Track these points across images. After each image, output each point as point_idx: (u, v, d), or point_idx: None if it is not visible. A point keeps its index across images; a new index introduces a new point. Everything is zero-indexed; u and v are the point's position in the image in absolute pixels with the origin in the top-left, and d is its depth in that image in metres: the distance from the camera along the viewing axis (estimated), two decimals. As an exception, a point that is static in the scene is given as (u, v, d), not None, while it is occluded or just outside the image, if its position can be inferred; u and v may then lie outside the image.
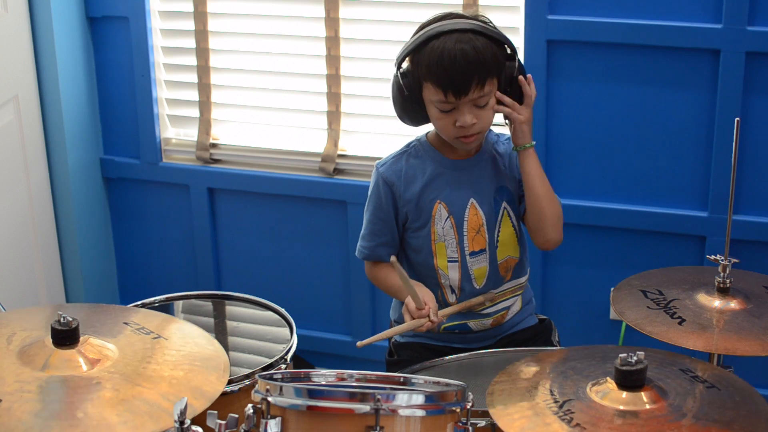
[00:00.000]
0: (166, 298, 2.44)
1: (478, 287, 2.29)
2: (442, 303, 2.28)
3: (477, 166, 2.27)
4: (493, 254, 2.28)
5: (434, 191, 2.25)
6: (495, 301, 2.30)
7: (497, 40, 2.15)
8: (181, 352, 1.80)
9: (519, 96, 2.21)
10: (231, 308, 2.46)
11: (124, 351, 1.76)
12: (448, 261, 2.27)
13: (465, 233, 2.26)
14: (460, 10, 2.82)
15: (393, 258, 2.06)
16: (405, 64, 2.19)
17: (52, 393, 1.63)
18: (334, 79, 3.02)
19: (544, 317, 2.45)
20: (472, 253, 2.27)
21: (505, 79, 2.18)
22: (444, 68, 2.10)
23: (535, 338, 2.37)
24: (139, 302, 2.37)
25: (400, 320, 2.32)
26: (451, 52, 2.09)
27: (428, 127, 2.31)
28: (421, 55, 2.14)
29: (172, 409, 1.56)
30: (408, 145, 2.32)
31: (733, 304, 2.04)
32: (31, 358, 1.69)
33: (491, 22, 2.21)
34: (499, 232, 2.28)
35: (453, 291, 2.29)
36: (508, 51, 2.18)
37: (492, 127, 2.27)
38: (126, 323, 1.87)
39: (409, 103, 2.19)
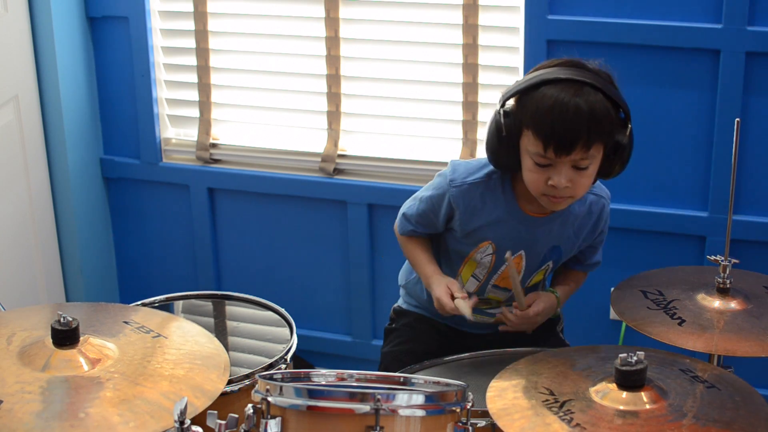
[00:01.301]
0: (166, 298, 2.44)
1: (493, 303, 2.30)
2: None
3: (544, 225, 2.17)
4: (515, 290, 2.20)
5: (491, 232, 2.16)
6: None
7: (615, 102, 2.00)
8: (182, 350, 1.80)
9: (614, 168, 2.05)
10: (231, 308, 2.46)
11: (125, 350, 1.76)
12: (472, 276, 2.26)
13: (500, 272, 2.22)
14: (460, 11, 2.83)
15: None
16: (510, 103, 2.02)
17: (53, 393, 1.63)
18: (334, 79, 3.02)
19: None
20: (495, 286, 2.26)
21: (611, 146, 2.01)
22: (552, 120, 1.93)
23: (538, 331, 2.35)
24: (139, 302, 2.37)
25: (408, 290, 2.38)
26: (563, 104, 1.93)
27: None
28: (530, 98, 1.98)
29: (173, 408, 1.56)
30: (490, 176, 2.15)
31: (733, 305, 2.04)
32: (32, 358, 1.69)
33: (613, 79, 2.06)
34: (530, 280, 2.26)
35: (467, 293, 2.25)
36: (622, 116, 2.03)
37: None
38: (126, 322, 1.87)
39: (504, 146, 2.03)
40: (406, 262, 2.40)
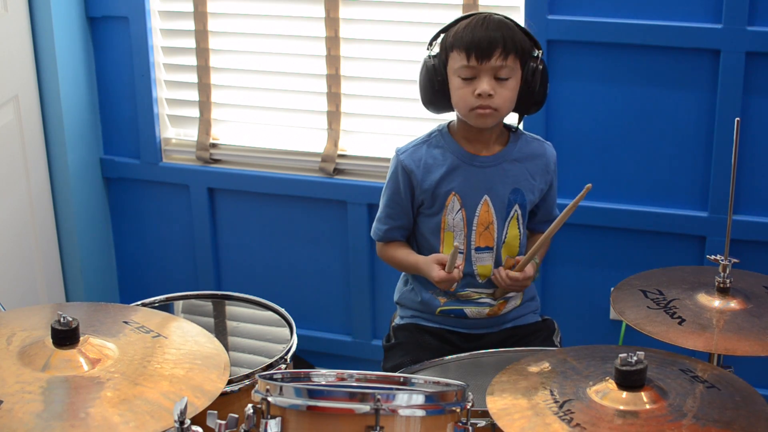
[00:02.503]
0: (166, 298, 2.44)
1: (480, 282, 2.33)
2: (440, 290, 2.34)
3: (497, 165, 2.32)
4: (498, 253, 2.33)
5: (450, 182, 2.30)
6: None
7: (528, 33, 2.26)
8: (182, 350, 1.80)
9: (531, 105, 2.29)
10: (231, 308, 2.46)
11: (125, 350, 1.76)
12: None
13: (474, 227, 2.30)
14: (460, 11, 2.83)
15: (456, 245, 2.20)
16: (435, 48, 2.26)
17: (54, 393, 1.63)
18: (334, 79, 3.02)
19: (547, 317, 2.46)
20: (478, 249, 2.31)
21: (528, 72, 2.23)
22: (472, 31, 2.19)
23: (536, 334, 2.38)
24: (139, 302, 2.37)
25: (401, 302, 2.44)
26: (480, 18, 2.21)
27: (449, 117, 2.35)
28: (450, 29, 2.24)
29: (173, 408, 1.56)
30: (429, 134, 2.36)
31: (733, 304, 2.04)
32: (32, 358, 1.69)
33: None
34: (506, 232, 2.33)
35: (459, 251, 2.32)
36: (536, 52, 2.26)
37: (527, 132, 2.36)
38: (126, 322, 1.87)
39: (435, 83, 2.25)
40: (399, 279, 2.47)
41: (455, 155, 2.31)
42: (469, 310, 2.34)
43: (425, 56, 2.28)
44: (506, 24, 2.21)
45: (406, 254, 2.37)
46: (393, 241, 2.40)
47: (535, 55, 2.25)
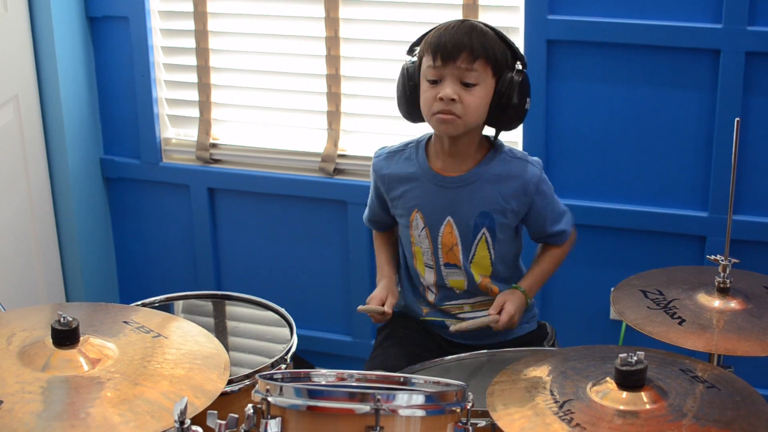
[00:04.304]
0: (166, 298, 2.44)
1: (458, 293, 2.33)
2: (422, 300, 2.36)
3: (464, 186, 2.24)
4: (468, 272, 2.30)
5: (414, 200, 2.27)
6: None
7: (507, 43, 2.19)
8: (182, 350, 1.80)
9: (507, 120, 2.21)
10: (231, 308, 2.46)
11: (125, 350, 1.76)
12: (425, 266, 2.32)
13: (439, 246, 2.29)
14: (460, 11, 2.83)
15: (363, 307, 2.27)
16: (409, 48, 2.25)
17: (54, 393, 1.63)
18: (334, 79, 3.02)
19: (543, 322, 2.46)
20: (447, 264, 2.30)
21: (503, 83, 2.16)
22: (440, 33, 2.15)
23: (525, 346, 2.32)
24: (139, 302, 2.37)
25: (398, 308, 2.41)
26: (458, 22, 2.17)
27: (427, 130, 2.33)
28: (426, 35, 2.21)
29: (173, 408, 1.56)
30: (406, 144, 2.33)
31: (733, 304, 2.04)
32: (32, 358, 1.69)
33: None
34: (474, 254, 2.28)
35: (432, 291, 2.33)
36: (518, 65, 2.20)
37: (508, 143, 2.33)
38: (126, 322, 1.87)
39: (408, 90, 2.22)
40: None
41: (422, 172, 2.26)
42: (450, 323, 2.30)
43: (403, 65, 2.25)
44: (480, 29, 2.15)
45: (378, 254, 2.43)
46: (376, 230, 2.44)
47: (518, 68, 2.18)
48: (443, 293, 2.33)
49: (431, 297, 2.33)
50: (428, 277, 2.32)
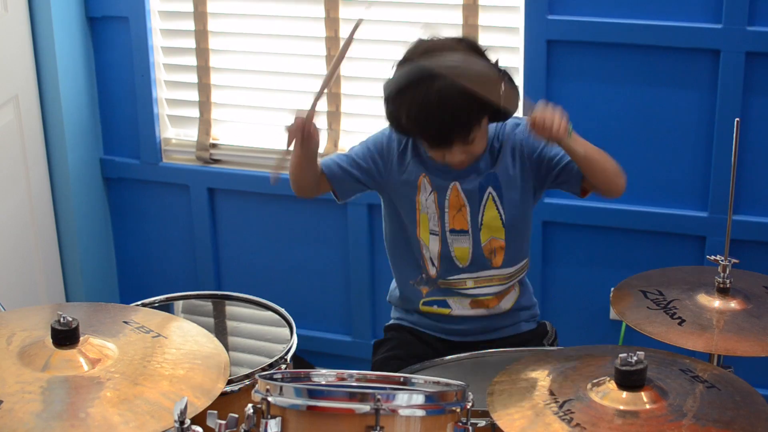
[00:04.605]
0: (166, 298, 2.44)
1: (461, 266, 2.29)
2: (425, 277, 2.32)
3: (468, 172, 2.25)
4: (476, 236, 2.27)
5: (423, 165, 2.25)
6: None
7: (479, 73, 2.03)
8: (182, 350, 1.80)
9: (505, 114, 2.16)
10: (231, 308, 2.46)
11: (125, 350, 1.76)
12: (430, 233, 2.29)
13: (446, 210, 2.26)
14: (460, 11, 2.83)
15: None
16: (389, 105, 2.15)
17: (54, 393, 1.63)
18: (334, 79, 3.02)
19: (544, 322, 2.45)
20: (453, 231, 2.27)
21: (490, 112, 2.12)
22: (428, 135, 2.11)
23: (525, 344, 2.32)
24: (139, 302, 2.37)
25: (397, 302, 2.41)
26: (430, 118, 2.04)
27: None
28: (394, 111, 2.12)
29: (173, 407, 1.56)
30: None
31: (733, 305, 2.04)
32: (32, 358, 1.69)
33: (473, 42, 2.17)
34: (483, 215, 2.26)
35: (433, 264, 2.29)
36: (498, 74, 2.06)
37: None
38: (126, 322, 1.87)
39: (404, 146, 2.25)
40: (393, 280, 2.44)
41: (428, 164, 2.25)
42: (452, 300, 2.31)
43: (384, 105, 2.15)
44: (452, 107, 2.02)
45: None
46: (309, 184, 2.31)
47: (500, 74, 2.06)
48: (446, 265, 2.29)
49: (433, 271, 2.30)
50: (432, 246, 2.28)
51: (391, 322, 2.45)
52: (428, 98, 2.03)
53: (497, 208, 2.28)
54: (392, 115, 2.14)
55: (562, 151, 2.19)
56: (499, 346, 2.29)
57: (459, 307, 2.32)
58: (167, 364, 1.73)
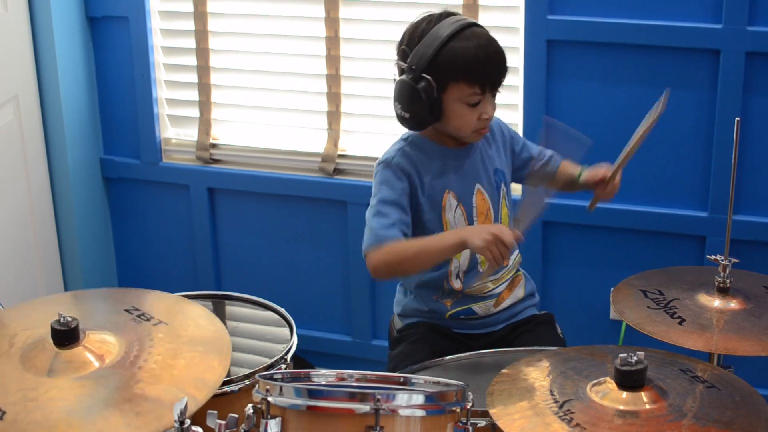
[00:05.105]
0: (166, 298, 2.44)
1: (481, 270, 2.30)
2: (447, 290, 2.30)
3: (474, 152, 2.29)
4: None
5: (443, 181, 2.25)
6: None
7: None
8: (182, 338, 1.78)
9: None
10: (231, 308, 2.46)
11: (124, 344, 1.74)
12: None
13: (475, 219, 2.28)
14: (460, 11, 2.83)
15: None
16: (417, 69, 2.14)
17: (55, 395, 1.62)
18: (334, 79, 3.02)
19: (546, 312, 2.46)
20: None
21: None
22: (482, 66, 2.14)
23: (540, 326, 2.36)
24: (139, 302, 2.37)
25: (404, 313, 2.38)
26: (485, 49, 2.15)
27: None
28: (446, 57, 2.13)
29: (174, 406, 1.56)
30: (405, 140, 2.28)
31: (733, 304, 2.04)
32: (33, 362, 1.69)
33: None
34: (500, 214, 2.32)
35: (458, 276, 2.29)
36: None
37: None
38: (127, 310, 1.85)
39: (426, 106, 2.16)
40: (397, 293, 2.41)
41: (440, 154, 2.26)
42: (478, 307, 2.31)
43: (407, 79, 2.15)
44: (494, 39, 2.18)
45: (430, 237, 2.17)
46: (393, 238, 2.15)
47: None
48: (469, 276, 2.29)
49: (457, 284, 2.30)
50: (463, 260, 2.28)
51: (404, 323, 2.39)
52: (488, 40, 2.17)
53: (507, 205, 2.33)
54: (452, 55, 2.13)
55: (535, 149, 2.39)
56: (512, 331, 2.34)
57: (485, 310, 2.33)
58: (168, 356, 1.71)
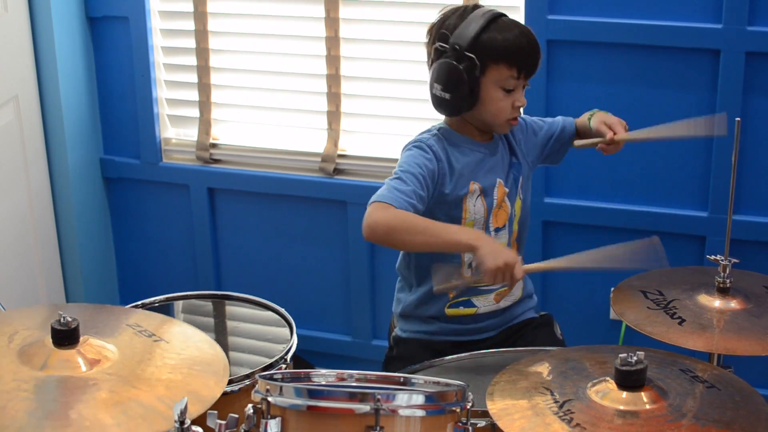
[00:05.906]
0: (166, 298, 2.44)
1: (463, 277, 2.26)
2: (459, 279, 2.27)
3: (497, 146, 2.31)
4: (510, 229, 2.31)
5: (472, 172, 2.25)
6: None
7: None
8: (181, 355, 1.79)
9: None
10: (231, 308, 2.46)
11: (124, 352, 1.75)
12: None
13: (493, 208, 2.28)
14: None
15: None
16: (461, 48, 2.16)
17: (48, 392, 1.62)
18: (334, 79, 3.02)
19: (544, 313, 2.45)
20: (497, 229, 2.29)
21: None
22: (521, 49, 2.18)
23: (539, 329, 2.36)
24: (139, 302, 2.37)
25: (404, 313, 2.35)
26: (522, 34, 2.20)
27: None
28: (488, 38, 2.17)
29: (167, 412, 1.55)
30: (436, 132, 2.27)
31: (733, 304, 2.04)
32: (31, 357, 1.69)
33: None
34: (515, 207, 2.32)
35: (470, 266, 2.26)
36: None
37: None
38: (128, 325, 1.86)
39: (466, 88, 2.17)
40: (396, 291, 2.39)
41: (470, 147, 2.27)
42: (477, 299, 2.30)
43: (448, 61, 2.16)
44: (534, 36, 2.24)
45: (445, 225, 2.14)
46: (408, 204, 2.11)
47: None
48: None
49: (467, 273, 2.25)
50: None
51: (402, 335, 2.37)
52: (528, 30, 2.23)
53: (521, 197, 2.34)
54: (495, 36, 2.17)
55: (548, 123, 2.42)
56: (512, 335, 2.33)
57: (484, 304, 2.32)
58: (165, 369, 1.72)
